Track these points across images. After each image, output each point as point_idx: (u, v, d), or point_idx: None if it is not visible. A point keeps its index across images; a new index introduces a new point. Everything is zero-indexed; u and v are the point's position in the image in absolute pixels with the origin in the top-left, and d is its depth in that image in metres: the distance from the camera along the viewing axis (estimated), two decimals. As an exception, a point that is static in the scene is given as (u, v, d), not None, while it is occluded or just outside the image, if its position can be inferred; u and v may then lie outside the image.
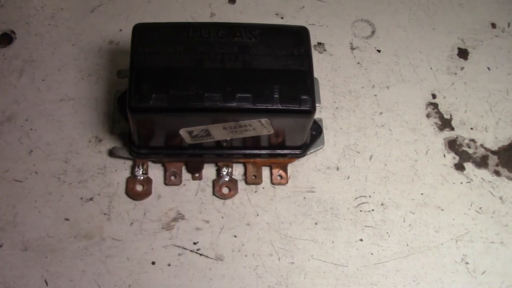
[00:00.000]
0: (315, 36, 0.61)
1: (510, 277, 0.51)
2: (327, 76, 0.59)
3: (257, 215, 0.52)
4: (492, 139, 0.58)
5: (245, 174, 0.54)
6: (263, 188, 0.53)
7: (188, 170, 0.53)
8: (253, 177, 0.53)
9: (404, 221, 0.53)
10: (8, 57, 0.58)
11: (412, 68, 0.61)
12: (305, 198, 0.53)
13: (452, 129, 0.58)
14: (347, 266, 0.51)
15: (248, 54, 0.48)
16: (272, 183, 0.53)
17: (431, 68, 0.61)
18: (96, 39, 0.59)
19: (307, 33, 0.50)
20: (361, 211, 0.53)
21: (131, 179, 0.52)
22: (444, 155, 0.57)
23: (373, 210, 0.53)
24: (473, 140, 0.58)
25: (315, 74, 0.51)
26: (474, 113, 0.59)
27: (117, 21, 0.61)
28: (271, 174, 0.54)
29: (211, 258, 0.50)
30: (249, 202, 0.53)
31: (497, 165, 0.56)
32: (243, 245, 0.51)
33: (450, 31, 0.64)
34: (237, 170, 0.54)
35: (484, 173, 0.56)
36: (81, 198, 0.51)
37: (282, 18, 0.63)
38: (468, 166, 0.56)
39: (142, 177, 0.52)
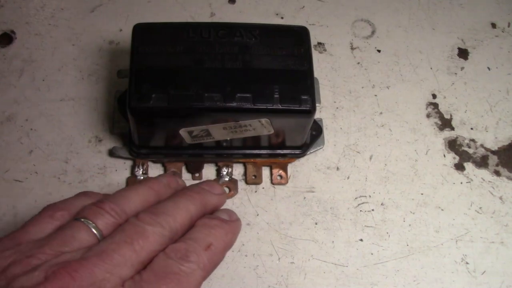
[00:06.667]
0: (315, 36, 0.61)
1: (510, 277, 0.51)
2: (327, 76, 0.59)
3: (257, 215, 0.52)
4: (492, 139, 0.58)
5: (245, 174, 0.54)
6: (263, 188, 0.53)
7: (188, 170, 0.53)
8: (253, 177, 0.53)
9: (404, 221, 0.53)
10: (8, 57, 0.58)
11: (412, 68, 0.61)
12: (305, 198, 0.53)
13: (452, 129, 0.58)
14: (347, 266, 0.51)
15: (248, 54, 0.48)
16: (272, 183, 0.53)
17: (431, 68, 0.61)
18: (96, 39, 0.59)
19: (307, 33, 0.50)
20: (361, 211, 0.53)
21: (131, 179, 0.52)
22: (444, 155, 0.56)
23: (373, 210, 0.53)
24: (473, 140, 0.58)
25: (315, 74, 0.51)
26: (474, 113, 0.59)
27: (117, 21, 0.61)
28: (271, 174, 0.54)
29: (211, 258, 0.50)
30: (249, 202, 0.53)
31: (497, 165, 0.56)
32: (243, 245, 0.51)
33: (450, 31, 0.64)
34: (237, 170, 0.54)
35: (484, 173, 0.56)
36: (81, 198, 0.51)
37: (282, 18, 0.63)
38: (468, 166, 0.56)
39: (142, 177, 0.52)
